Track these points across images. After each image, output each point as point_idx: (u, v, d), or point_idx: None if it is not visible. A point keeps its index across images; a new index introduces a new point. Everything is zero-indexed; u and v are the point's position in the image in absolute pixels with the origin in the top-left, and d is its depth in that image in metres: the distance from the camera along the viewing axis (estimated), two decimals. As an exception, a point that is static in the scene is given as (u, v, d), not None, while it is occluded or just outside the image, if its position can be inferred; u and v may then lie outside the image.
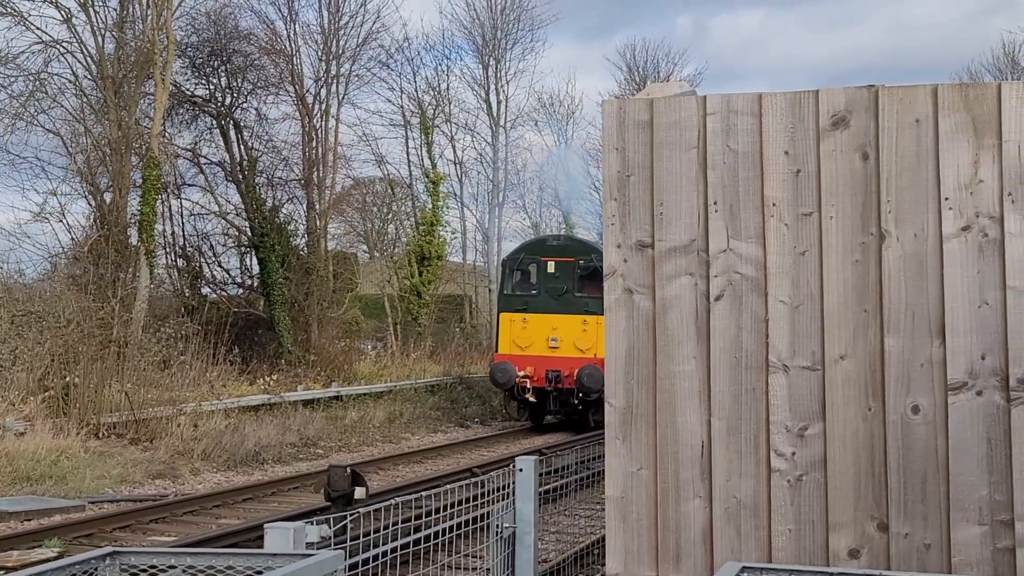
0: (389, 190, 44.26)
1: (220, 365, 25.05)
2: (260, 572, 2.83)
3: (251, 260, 32.34)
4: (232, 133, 31.33)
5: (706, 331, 4.45)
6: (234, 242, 32.40)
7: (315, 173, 33.22)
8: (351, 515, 3.86)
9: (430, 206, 41.32)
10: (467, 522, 5.93)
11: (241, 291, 32.64)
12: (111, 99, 26.47)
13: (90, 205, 26.77)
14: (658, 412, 4.50)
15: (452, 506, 6.79)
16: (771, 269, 4.40)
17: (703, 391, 4.44)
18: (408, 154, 42.35)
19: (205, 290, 32.19)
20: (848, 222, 4.32)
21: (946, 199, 4.22)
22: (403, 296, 39.62)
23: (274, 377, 26.34)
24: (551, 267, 24.83)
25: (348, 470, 12.59)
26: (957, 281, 4.17)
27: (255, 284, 32.24)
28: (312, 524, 3.43)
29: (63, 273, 26.34)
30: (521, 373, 24.24)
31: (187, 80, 31.21)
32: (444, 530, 5.93)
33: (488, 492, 5.90)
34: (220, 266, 32.66)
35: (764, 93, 4.48)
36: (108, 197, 26.49)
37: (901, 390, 4.21)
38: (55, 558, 10.70)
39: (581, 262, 24.48)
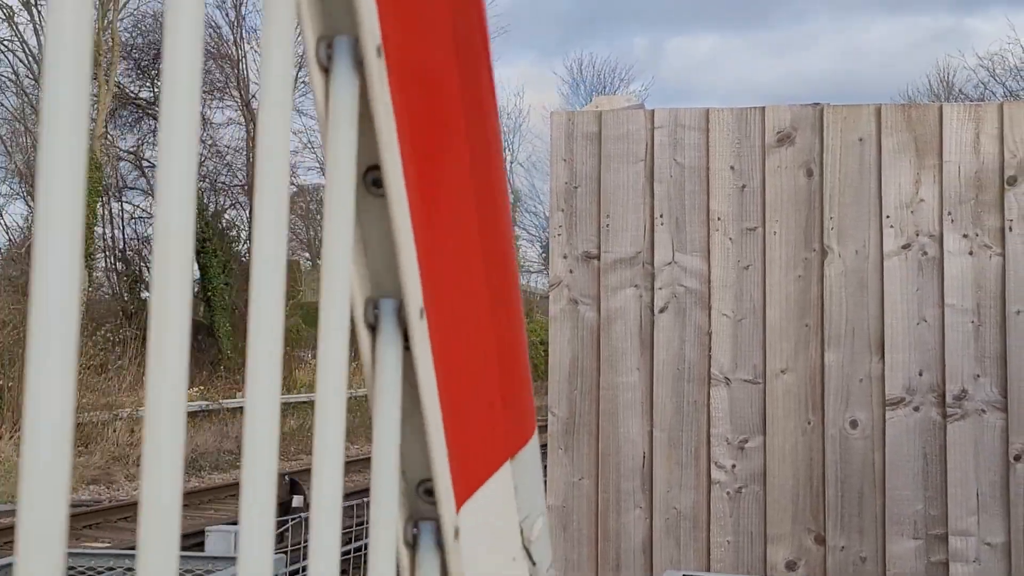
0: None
1: (158, 370, 24.74)
2: (201, 575, 2.79)
3: (192, 266, 31.99)
4: (176, 136, 31.01)
5: (650, 343, 4.48)
6: (175, 246, 32.04)
7: (259, 179, 32.95)
8: (292, 520, 3.82)
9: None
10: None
11: (181, 296, 32.28)
12: (53, 99, 26.07)
13: (28, 206, 26.36)
14: (600, 423, 4.52)
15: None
16: (715, 283, 4.44)
17: (645, 402, 4.46)
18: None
19: (144, 294, 31.80)
20: (791, 237, 4.38)
21: (887, 217, 4.29)
22: (346, 305, 39.38)
23: (209, 383, 26.09)
24: None
25: (286, 478, 12.51)
26: (896, 298, 4.24)
27: (195, 290, 31.92)
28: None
29: (1, 275, 25.90)
30: None
31: (132, 82, 30.88)
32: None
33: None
34: (160, 271, 32.26)
35: (711, 108, 4.53)
36: (47, 198, 26.08)
37: (840, 404, 4.26)
38: (-16, 563, 10.51)
39: None
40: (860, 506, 4.21)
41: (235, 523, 12.16)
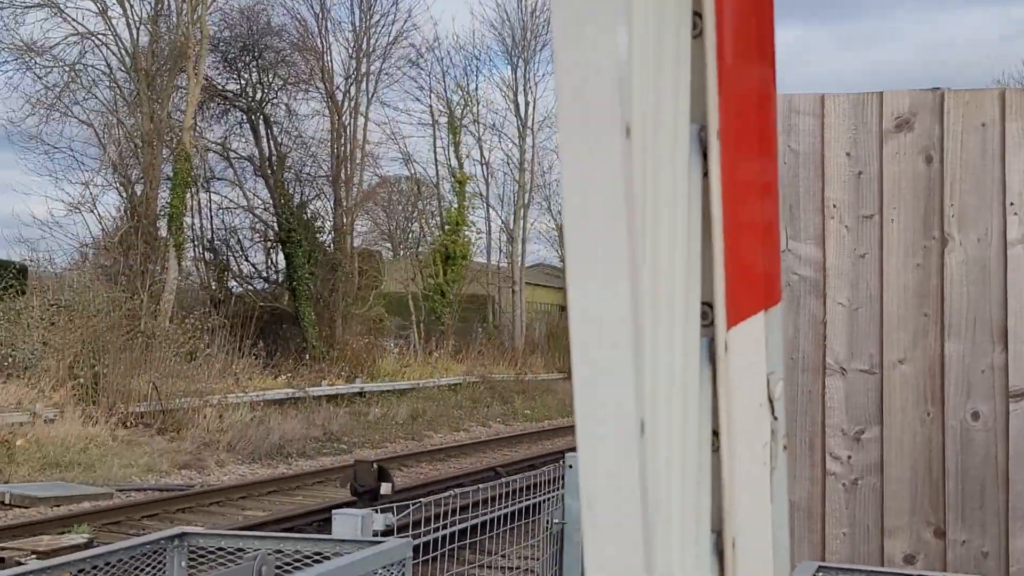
0: (416, 189, 44.29)
1: (245, 358, 25.16)
2: (328, 557, 2.81)
3: (277, 255, 32.45)
4: (262, 128, 31.44)
5: (763, 332, 4.41)
6: (261, 237, 32.51)
7: (343, 170, 33.29)
8: (413, 505, 3.84)
9: (456, 206, 41.38)
10: (513, 515, 5.92)
11: (267, 286, 32.73)
12: (144, 92, 26.58)
13: (121, 196, 26.94)
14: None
15: (485, 503, 6.80)
16: (830, 271, 4.37)
17: (758, 392, 4.39)
18: (435, 153, 42.44)
19: (231, 284, 32.31)
20: (910, 225, 4.29)
21: (1011, 204, 4.18)
22: (427, 295, 39.65)
23: (297, 371, 26.45)
24: None
25: (374, 465, 12.61)
26: (1021, 287, 4.13)
27: (281, 279, 32.33)
28: (378, 512, 3.40)
29: (92, 263, 26.49)
30: None
31: (219, 74, 31.35)
32: (497, 520, 5.91)
33: (523, 490, 5.88)
34: (247, 260, 32.78)
35: (827, 94, 4.45)
36: (139, 189, 26.61)
37: (961, 396, 4.17)
38: (85, 544, 10.75)
39: None
40: (982, 500, 4.12)
41: (322, 512, 12.19)
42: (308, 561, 2.83)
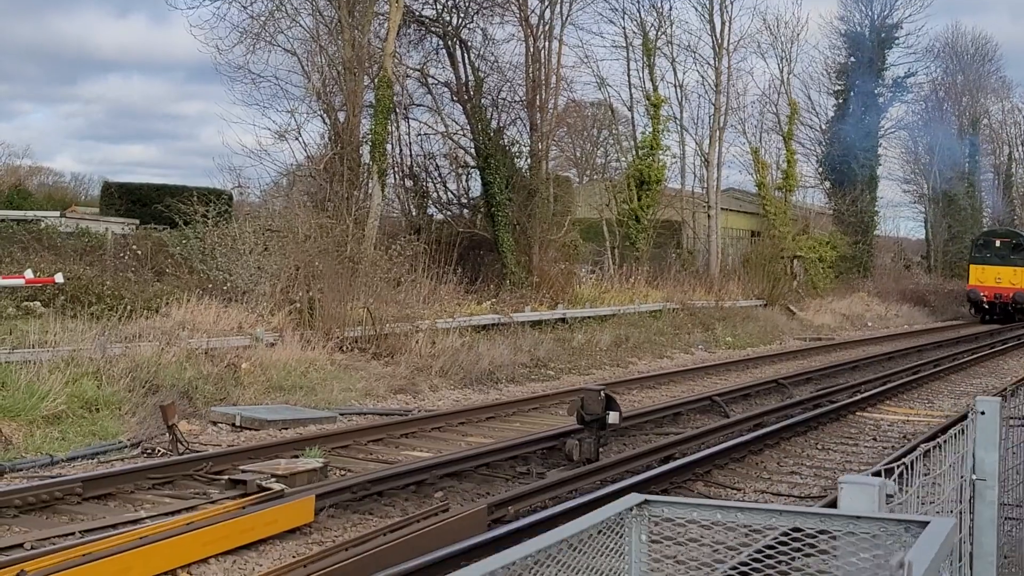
0: (609, 113, 43.60)
1: (447, 284, 25.28)
2: (834, 536, 2.37)
3: (474, 181, 32.45)
4: (459, 54, 31.26)
5: None
6: (460, 163, 32.54)
7: (538, 95, 32.91)
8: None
9: (650, 130, 40.56)
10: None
11: (466, 212, 32.81)
12: (345, 18, 26.69)
13: (325, 124, 27.25)
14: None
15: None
16: None
17: None
18: (629, 76, 41.60)
19: (431, 210, 32.51)
20: None
21: None
22: (621, 220, 39.14)
23: (499, 297, 26.46)
24: (998, 244, 47.41)
25: (602, 394, 12.34)
26: None
27: (479, 205, 32.34)
28: (882, 476, 2.86)
29: (300, 190, 26.98)
30: (983, 295, 46.10)
31: (415, 0, 31.26)
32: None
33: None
34: (445, 187, 32.90)
35: None
36: (342, 116, 26.86)
37: None
38: (320, 468, 10.84)
39: (1011, 242, 47.39)
40: None
41: (550, 439, 11.94)
42: (812, 542, 2.39)
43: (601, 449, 12.32)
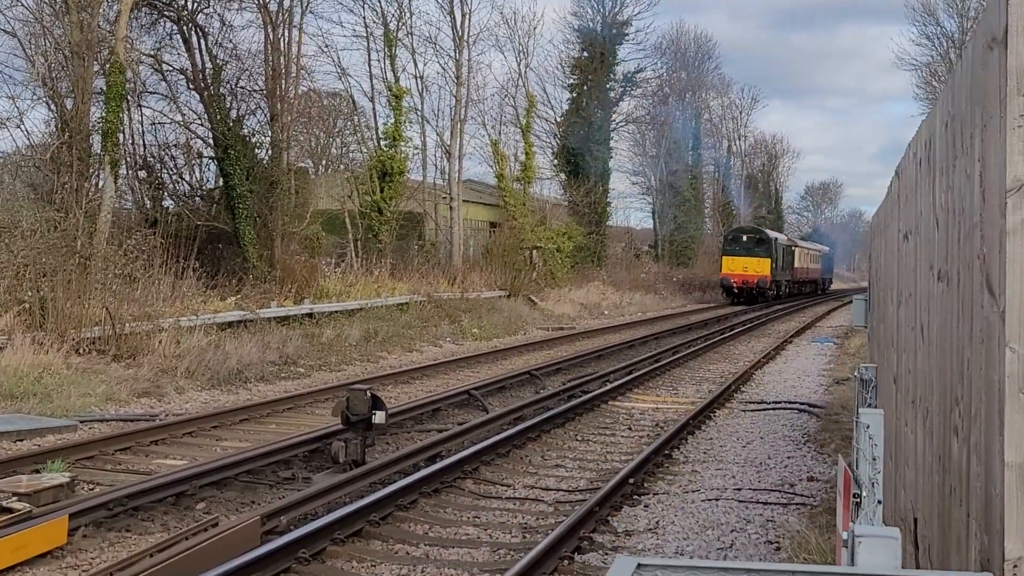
0: (350, 103, 43.08)
1: (187, 280, 24.22)
2: None
3: (212, 172, 31.29)
4: (195, 40, 30.02)
5: None
6: (197, 153, 31.28)
7: (279, 85, 32.10)
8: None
9: (391, 121, 40.36)
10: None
11: (204, 204, 31.57)
12: (71, -1, 25.10)
13: (51, 111, 25.53)
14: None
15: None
16: None
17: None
18: (370, 67, 41.25)
19: (167, 202, 31.11)
20: None
21: None
22: (364, 212, 38.78)
23: (243, 292, 25.60)
24: (744, 239, 55.59)
25: (368, 393, 12.03)
26: None
27: (218, 197, 31.20)
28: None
29: (23, 182, 25.20)
30: (733, 282, 54.19)
31: (144, -20, 29.77)
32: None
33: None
34: (182, 179, 31.56)
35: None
36: (69, 103, 25.25)
37: None
38: (68, 483, 10.04)
39: (756, 236, 55.75)
40: None
41: (314, 441, 11.49)
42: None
43: (367, 450, 12.03)
